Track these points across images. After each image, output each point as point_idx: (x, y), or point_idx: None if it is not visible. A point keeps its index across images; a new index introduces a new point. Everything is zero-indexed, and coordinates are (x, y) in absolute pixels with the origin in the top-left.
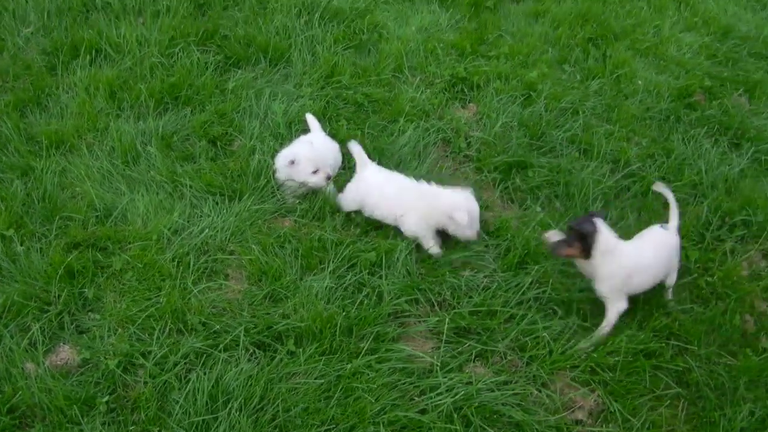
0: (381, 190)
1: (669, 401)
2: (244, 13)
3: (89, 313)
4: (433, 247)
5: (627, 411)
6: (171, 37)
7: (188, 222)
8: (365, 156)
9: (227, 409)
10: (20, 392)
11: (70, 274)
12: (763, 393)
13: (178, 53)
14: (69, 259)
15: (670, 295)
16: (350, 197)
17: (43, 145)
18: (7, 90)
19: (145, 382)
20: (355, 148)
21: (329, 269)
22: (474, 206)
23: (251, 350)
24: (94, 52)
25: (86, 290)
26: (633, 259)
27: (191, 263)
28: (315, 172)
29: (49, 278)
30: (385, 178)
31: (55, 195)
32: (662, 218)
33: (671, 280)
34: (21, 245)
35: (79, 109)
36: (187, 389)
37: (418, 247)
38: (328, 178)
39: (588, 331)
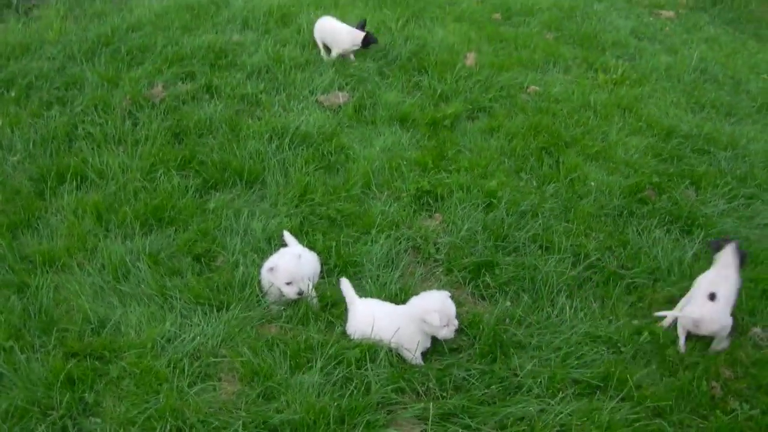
0: (367, 325)
1: None
2: (219, 140)
3: (90, 417)
4: (417, 360)
5: None
6: (151, 163)
7: (180, 330)
8: (354, 294)
9: None
10: None
11: (70, 381)
12: None
13: (159, 177)
14: (69, 367)
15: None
16: (350, 329)
17: (36, 264)
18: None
19: None
20: (345, 287)
21: (317, 366)
22: (448, 306)
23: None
24: (79, 178)
25: (86, 395)
26: None
27: (185, 368)
28: (289, 283)
29: (50, 385)
30: (372, 312)
31: (51, 309)
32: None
33: None
34: (22, 354)
35: (69, 231)
36: None
37: None
38: (299, 293)
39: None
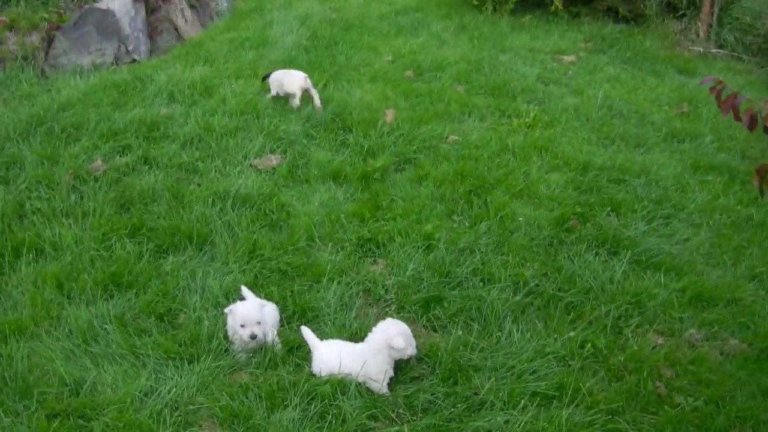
0: (335, 364)
1: None
2: (164, 207)
3: None
4: (382, 389)
5: None
6: (103, 233)
7: (156, 384)
8: (315, 338)
9: None
10: None
11: None
12: None
13: (113, 245)
14: (53, 427)
15: None
16: (316, 369)
17: (4, 334)
18: None
19: None
20: (306, 334)
21: (293, 404)
22: (403, 327)
23: None
24: (35, 251)
25: None
26: None
27: (167, 418)
28: (243, 326)
29: None
30: (336, 352)
31: (26, 375)
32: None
33: None
34: (6, 418)
35: (31, 301)
36: None
37: None
38: (252, 336)
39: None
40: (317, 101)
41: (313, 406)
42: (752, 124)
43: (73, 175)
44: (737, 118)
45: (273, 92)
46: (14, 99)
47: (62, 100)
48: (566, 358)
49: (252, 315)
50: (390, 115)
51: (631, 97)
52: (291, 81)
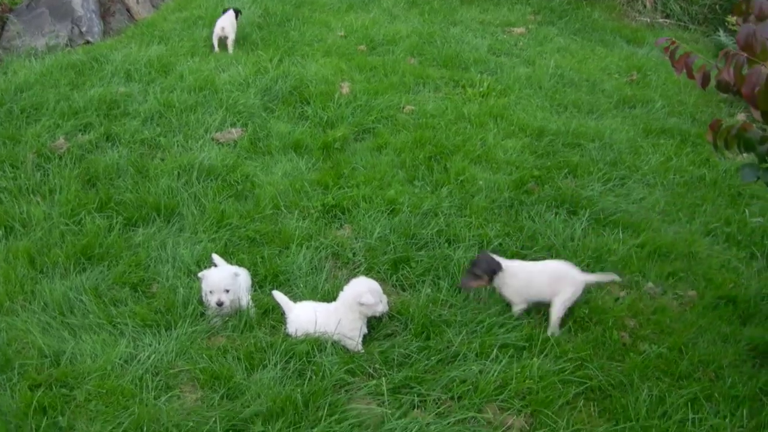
0: (310, 324)
1: (582, 404)
2: (130, 182)
3: None
4: (356, 346)
5: (551, 419)
6: (71, 208)
7: (135, 351)
8: (288, 301)
9: None
10: None
11: (41, 409)
12: (653, 380)
13: (82, 220)
14: (37, 396)
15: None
16: (291, 330)
17: None
18: None
19: None
20: (279, 297)
21: (272, 363)
22: (373, 284)
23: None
24: (4, 228)
25: (60, 419)
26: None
27: (148, 383)
28: (211, 292)
29: (24, 414)
30: (309, 312)
31: (4, 348)
32: None
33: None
34: None
35: (4, 277)
36: None
37: None
38: (219, 304)
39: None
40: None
41: (291, 364)
42: (705, 81)
43: (37, 153)
44: (690, 76)
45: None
46: None
47: (19, 82)
48: (532, 313)
49: (220, 283)
50: (346, 87)
51: (581, 67)
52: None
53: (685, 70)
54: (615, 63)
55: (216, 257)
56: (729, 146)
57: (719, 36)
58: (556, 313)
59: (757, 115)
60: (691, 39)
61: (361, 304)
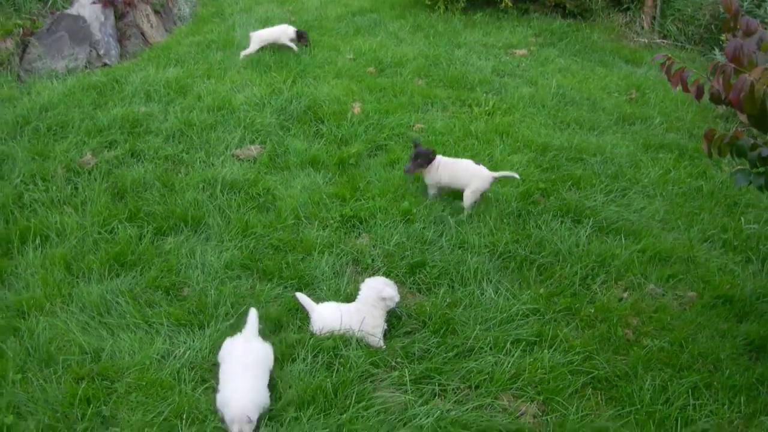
0: (335, 323)
1: (590, 393)
2: (157, 195)
3: (110, 428)
4: (378, 342)
5: (562, 406)
6: (103, 218)
7: (171, 347)
8: (311, 302)
9: None
10: None
11: (85, 399)
12: (656, 370)
13: (114, 229)
14: (81, 388)
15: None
16: (316, 328)
17: (20, 311)
18: None
19: None
20: (302, 299)
21: (301, 357)
22: (386, 280)
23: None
24: (39, 237)
25: (103, 409)
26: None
27: (185, 376)
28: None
29: (69, 404)
30: (333, 311)
31: (47, 346)
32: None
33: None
34: (35, 382)
35: (42, 282)
36: None
37: None
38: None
39: None
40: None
41: (320, 357)
42: (699, 94)
43: (66, 168)
44: (686, 89)
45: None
46: None
47: (43, 102)
48: (541, 311)
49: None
50: (357, 107)
51: (582, 86)
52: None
53: (680, 84)
54: (614, 82)
55: (253, 313)
56: (722, 153)
57: (715, 55)
58: (469, 199)
59: (743, 118)
60: (688, 58)
61: (383, 299)
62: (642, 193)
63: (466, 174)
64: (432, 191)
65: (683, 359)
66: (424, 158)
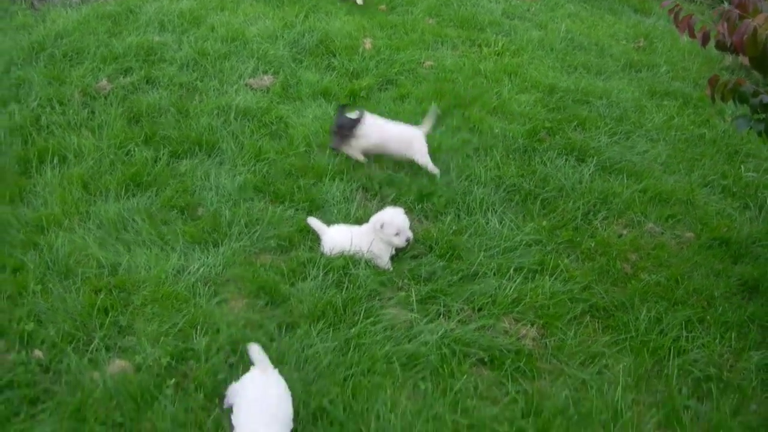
0: (345, 244)
1: (588, 320)
2: (171, 120)
3: (127, 337)
4: (386, 265)
5: (561, 331)
6: (120, 141)
7: (186, 263)
8: (322, 225)
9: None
10: (97, 390)
11: (103, 310)
12: (652, 303)
13: (130, 151)
14: (99, 299)
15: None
16: (327, 249)
17: (39, 227)
18: None
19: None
20: (313, 223)
21: (312, 275)
22: (398, 216)
23: (276, 332)
24: (58, 157)
25: (120, 319)
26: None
27: (200, 290)
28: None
29: (88, 314)
30: (344, 233)
31: (66, 259)
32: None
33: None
34: (55, 291)
35: (60, 199)
36: (239, 362)
37: None
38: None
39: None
40: None
41: (330, 276)
42: (705, 40)
43: (82, 92)
44: (692, 35)
45: None
46: (10, 29)
47: (59, 29)
48: (543, 242)
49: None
50: (368, 43)
51: (590, 32)
52: None
53: (687, 31)
54: (623, 30)
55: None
56: (725, 99)
57: (724, 6)
58: (426, 163)
59: (745, 60)
60: (698, 11)
61: (379, 230)
62: (645, 137)
63: (401, 142)
64: (360, 157)
65: (678, 294)
66: (349, 129)
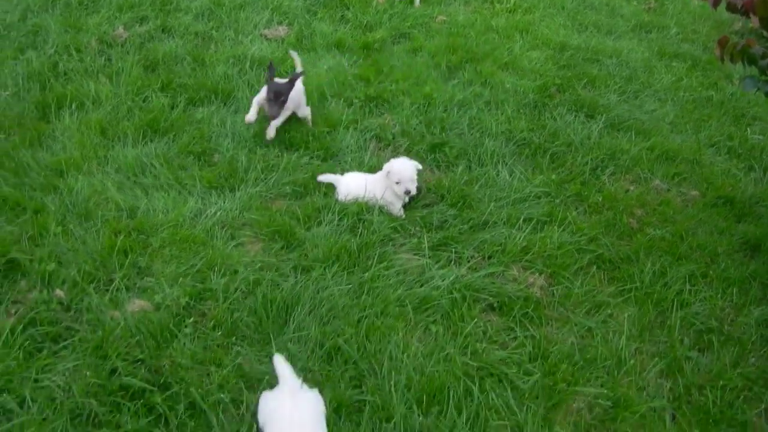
0: (360, 190)
1: (594, 271)
2: (187, 68)
3: (146, 278)
4: (399, 212)
5: (568, 280)
6: (137, 88)
7: (203, 207)
8: (335, 176)
9: (292, 315)
10: (118, 327)
11: (123, 251)
12: (656, 257)
13: (148, 98)
14: (119, 240)
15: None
16: (342, 196)
17: (61, 170)
18: (10, 135)
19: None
20: (326, 177)
21: (327, 220)
22: (407, 166)
23: (291, 274)
24: (75, 103)
25: (140, 260)
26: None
27: (217, 233)
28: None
29: (108, 254)
30: (358, 180)
31: (86, 202)
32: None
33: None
34: (76, 232)
35: (79, 144)
36: (256, 302)
37: None
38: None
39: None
40: None
41: (345, 221)
42: (716, 2)
43: (99, 40)
44: None
45: None
46: None
47: None
48: (552, 195)
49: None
50: None
51: None
52: None
53: None
54: None
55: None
56: (734, 60)
57: None
58: (308, 114)
59: (755, 21)
60: None
61: (386, 176)
62: (654, 96)
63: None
64: (279, 121)
65: (682, 249)
66: (287, 94)
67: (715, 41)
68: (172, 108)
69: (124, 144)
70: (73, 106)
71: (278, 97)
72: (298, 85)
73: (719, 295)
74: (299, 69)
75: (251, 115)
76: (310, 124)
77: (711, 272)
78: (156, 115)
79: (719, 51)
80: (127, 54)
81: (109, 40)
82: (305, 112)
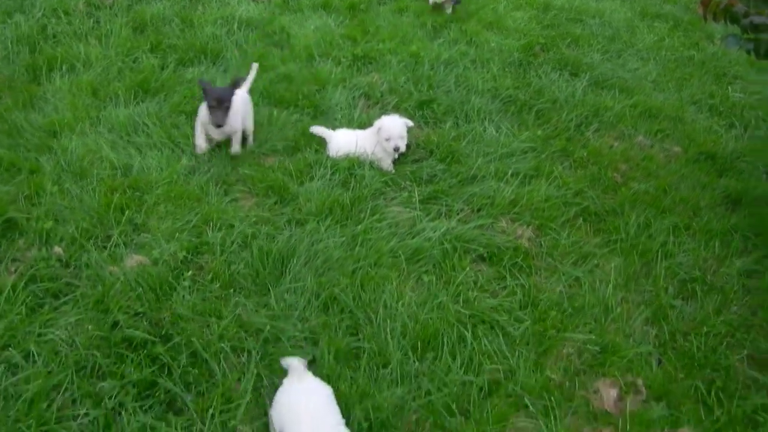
0: (351, 146)
1: (580, 223)
2: (176, 29)
3: (142, 234)
4: (389, 167)
5: (555, 231)
6: (127, 49)
7: (197, 164)
8: (327, 130)
9: (288, 267)
10: (118, 282)
11: (119, 208)
12: (641, 209)
13: (138, 59)
14: (115, 198)
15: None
16: (333, 152)
17: (54, 131)
18: (2, 98)
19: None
20: (317, 130)
21: (318, 175)
22: (397, 123)
23: (286, 228)
24: (65, 66)
25: (136, 217)
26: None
27: (211, 190)
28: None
29: (105, 211)
30: (349, 136)
31: (80, 161)
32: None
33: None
34: (72, 191)
35: (71, 105)
36: (252, 254)
37: None
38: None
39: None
40: None
41: (337, 176)
42: None
43: (86, 3)
44: None
45: None
46: None
47: None
48: (537, 150)
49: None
50: None
51: None
52: None
53: None
54: None
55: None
56: (717, 18)
57: None
58: (250, 128)
59: None
60: None
61: (376, 131)
62: (636, 55)
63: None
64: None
65: (666, 203)
66: (229, 99)
67: (696, 2)
68: (162, 68)
69: (116, 104)
70: (64, 68)
71: (221, 102)
72: (243, 94)
73: (702, 247)
74: (250, 78)
75: (200, 143)
76: (252, 141)
77: (694, 225)
78: (146, 75)
79: (702, 10)
80: (116, 16)
81: (97, 2)
82: (249, 125)
